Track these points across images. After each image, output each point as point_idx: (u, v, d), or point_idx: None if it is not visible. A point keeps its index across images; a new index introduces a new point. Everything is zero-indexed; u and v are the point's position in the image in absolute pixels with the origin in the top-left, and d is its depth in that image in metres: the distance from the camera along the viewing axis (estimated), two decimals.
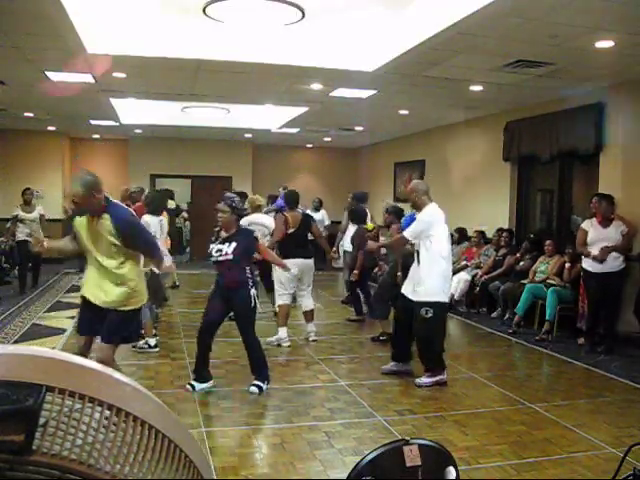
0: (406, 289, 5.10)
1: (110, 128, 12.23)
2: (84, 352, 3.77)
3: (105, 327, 3.71)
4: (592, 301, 6.32)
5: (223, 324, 4.87)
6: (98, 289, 3.73)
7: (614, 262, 6.14)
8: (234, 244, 4.57)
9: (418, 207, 5.04)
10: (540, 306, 7.04)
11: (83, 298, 3.85)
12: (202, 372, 4.73)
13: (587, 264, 6.26)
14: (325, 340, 6.49)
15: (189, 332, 6.61)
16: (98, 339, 3.84)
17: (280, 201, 8.26)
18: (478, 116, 9.56)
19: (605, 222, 6.20)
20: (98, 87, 7.94)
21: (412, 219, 5.14)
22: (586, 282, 6.35)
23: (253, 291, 4.63)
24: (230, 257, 4.55)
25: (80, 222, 3.71)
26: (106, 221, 3.61)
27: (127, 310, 3.74)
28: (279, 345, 6.14)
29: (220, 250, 4.59)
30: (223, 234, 4.73)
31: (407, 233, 5.00)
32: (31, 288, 9.23)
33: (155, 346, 5.82)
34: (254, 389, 4.67)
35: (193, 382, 4.70)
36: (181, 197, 15.25)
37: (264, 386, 4.70)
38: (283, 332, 6.19)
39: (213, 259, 4.66)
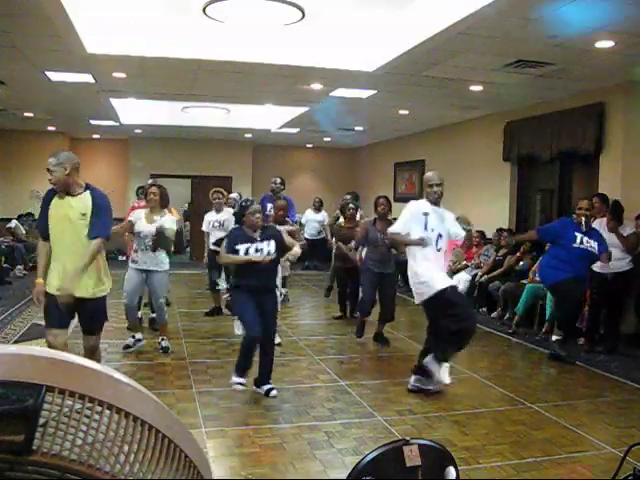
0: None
1: (110, 128, 12.23)
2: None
3: None
4: (594, 301, 6.30)
5: (221, 325, 4.85)
6: None
7: (619, 263, 6.10)
8: (273, 242, 4.27)
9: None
10: (540, 306, 7.04)
11: None
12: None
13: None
14: (325, 340, 6.48)
15: (189, 332, 6.62)
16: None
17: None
18: (478, 116, 9.56)
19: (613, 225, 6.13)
20: (98, 87, 7.95)
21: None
22: (591, 282, 6.30)
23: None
24: (274, 256, 4.30)
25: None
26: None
27: None
28: None
29: (260, 250, 4.24)
30: (251, 233, 4.30)
31: None
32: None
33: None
34: (275, 392, 4.55)
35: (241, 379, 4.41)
36: (181, 197, 15.30)
37: None
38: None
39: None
